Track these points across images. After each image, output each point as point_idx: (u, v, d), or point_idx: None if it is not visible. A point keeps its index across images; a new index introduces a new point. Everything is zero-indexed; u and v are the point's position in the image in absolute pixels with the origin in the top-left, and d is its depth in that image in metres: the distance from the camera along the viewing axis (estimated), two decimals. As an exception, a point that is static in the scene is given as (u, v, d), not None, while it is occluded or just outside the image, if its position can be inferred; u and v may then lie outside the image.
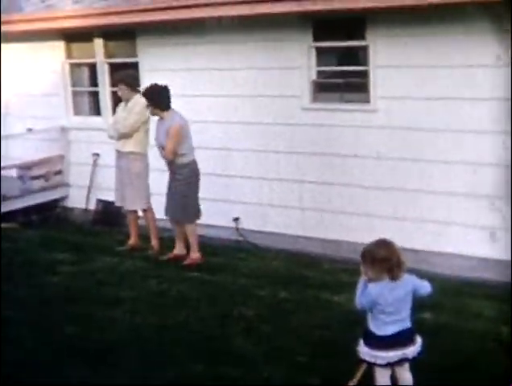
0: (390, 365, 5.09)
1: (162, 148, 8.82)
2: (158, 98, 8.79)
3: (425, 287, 5.13)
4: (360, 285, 5.03)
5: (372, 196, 9.18)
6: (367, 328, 5.10)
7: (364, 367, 5.27)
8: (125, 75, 9.60)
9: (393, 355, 5.04)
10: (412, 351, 5.09)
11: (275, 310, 7.39)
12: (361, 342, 5.12)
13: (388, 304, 4.98)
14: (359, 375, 5.32)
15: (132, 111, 9.37)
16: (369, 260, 4.94)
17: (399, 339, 5.05)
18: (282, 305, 7.59)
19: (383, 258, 4.94)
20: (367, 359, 5.07)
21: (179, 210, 8.96)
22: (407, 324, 5.09)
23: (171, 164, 8.88)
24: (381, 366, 5.08)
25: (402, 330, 5.06)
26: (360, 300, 5.01)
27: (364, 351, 5.08)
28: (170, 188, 9.00)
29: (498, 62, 8.05)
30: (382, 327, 5.03)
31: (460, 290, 8.01)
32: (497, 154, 8.27)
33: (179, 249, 9.25)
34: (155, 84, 8.84)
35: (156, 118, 8.97)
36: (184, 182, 8.86)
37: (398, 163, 8.94)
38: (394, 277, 4.96)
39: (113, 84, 9.81)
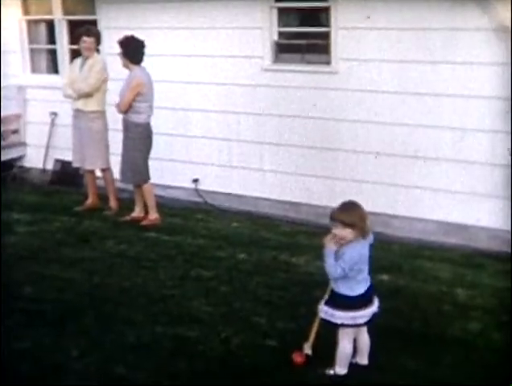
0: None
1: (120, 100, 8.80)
2: (133, 50, 8.77)
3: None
4: (329, 253, 5.00)
5: (332, 158, 9.16)
6: (337, 292, 5.10)
7: (315, 328, 5.32)
8: (93, 30, 9.47)
9: (366, 312, 5.09)
10: (372, 310, 5.15)
11: (234, 272, 7.39)
12: (331, 308, 5.11)
13: (362, 262, 5.04)
14: (313, 337, 5.36)
15: (92, 70, 9.26)
16: (348, 222, 4.93)
17: (368, 297, 5.12)
18: (240, 266, 7.59)
19: (363, 218, 4.98)
20: (346, 322, 5.08)
21: (128, 171, 8.94)
22: (370, 282, 5.16)
23: (125, 121, 8.83)
24: (354, 327, 5.13)
25: (369, 288, 5.14)
26: (337, 267, 4.96)
27: (340, 315, 5.08)
28: (123, 148, 8.95)
29: (471, 24, 8.03)
30: (355, 287, 5.08)
31: (419, 253, 8.08)
32: (459, 117, 8.29)
33: (138, 211, 9.20)
34: (133, 36, 8.80)
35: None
36: (135, 141, 8.84)
37: (357, 125, 8.92)
38: (367, 236, 5.01)
39: (77, 37, 9.61)
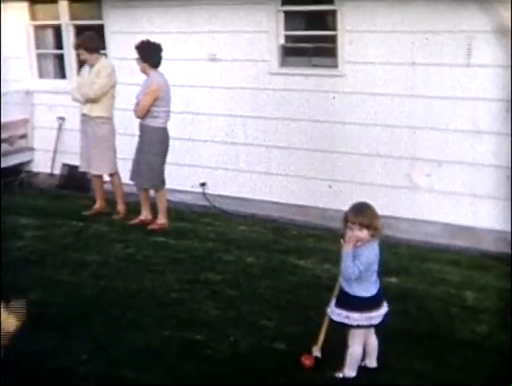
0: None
1: (137, 105, 8.81)
2: (151, 54, 8.76)
3: None
4: (347, 253, 5.01)
5: (339, 162, 9.16)
6: (351, 294, 5.10)
7: (324, 331, 5.32)
8: (84, 40, 9.44)
9: (379, 313, 5.12)
10: (384, 311, 5.16)
11: (242, 275, 7.40)
12: (345, 310, 5.12)
13: (375, 263, 5.07)
14: (322, 340, 5.36)
15: (100, 75, 9.26)
16: (365, 223, 4.95)
17: (379, 297, 5.15)
18: (248, 269, 7.60)
19: (377, 218, 5.01)
20: (361, 323, 5.09)
21: (144, 176, 8.92)
22: (379, 283, 5.19)
23: (142, 126, 8.83)
24: (368, 327, 5.15)
25: (379, 288, 5.16)
26: (354, 268, 4.97)
27: (355, 316, 5.08)
28: (137, 152, 8.94)
29: (475, 27, 8.04)
30: (369, 288, 5.11)
31: (427, 256, 8.07)
32: (465, 120, 8.29)
33: (145, 214, 9.21)
34: (149, 41, 8.80)
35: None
36: (153, 146, 8.82)
37: (365, 129, 8.92)
38: (380, 236, 5.06)
39: (75, 48, 9.68)
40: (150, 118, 8.75)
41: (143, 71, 8.83)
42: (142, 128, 8.86)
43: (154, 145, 8.83)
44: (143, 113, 8.73)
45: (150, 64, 8.77)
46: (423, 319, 6.26)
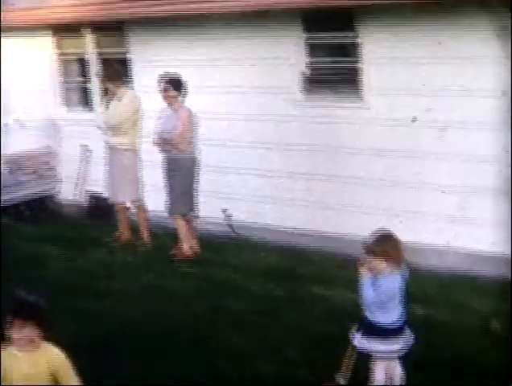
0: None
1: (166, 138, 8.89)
2: (183, 86, 8.95)
3: None
4: (366, 284, 5.01)
5: (364, 191, 9.16)
6: (372, 322, 5.11)
7: (349, 359, 5.32)
8: (108, 72, 9.59)
9: (400, 341, 5.12)
10: (406, 340, 5.15)
11: (266, 304, 7.40)
12: (367, 338, 5.12)
13: (399, 293, 5.07)
14: (346, 368, 5.36)
15: (119, 103, 9.37)
16: (385, 254, 4.95)
17: (401, 325, 5.15)
18: (272, 299, 7.60)
19: (397, 249, 5.01)
20: (382, 350, 5.10)
21: (187, 203, 9.00)
22: (403, 311, 5.17)
23: (173, 155, 8.88)
24: (389, 356, 5.15)
25: (404, 317, 5.16)
26: (374, 298, 4.98)
27: (377, 344, 5.10)
28: (170, 181, 8.99)
29: (494, 54, 8.05)
30: (393, 317, 5.10)
31: (452, 285, 8.03)
32: (496, 149, 8.27)
33: (186, 247, 9.17)
34: (178, 74, 8.97)
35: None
36: (188, 173, 8.96)
37: (392, 158, 8.93)
38: (402, 265, 5.04)
39: (101, 81, 9.85)
40: (186, 145, 8.87)
41: (174, 102, 8.92)
42: (175, 156, 8.90)
43: (189, 172, 8.96)
44: (182, 141, 8.83)
45: (183, 95, 8.93)
46: (446, 348, 6.22)
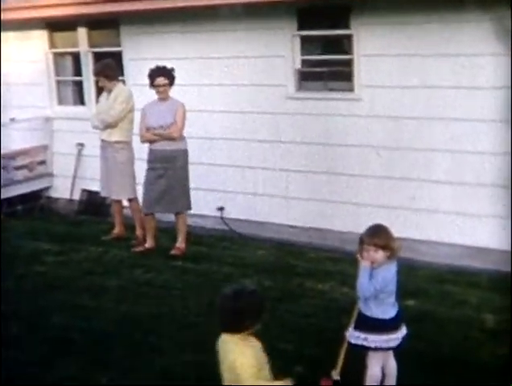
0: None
1: (161, 128, 8.86)
2: (174, 79, 8.95)
3: None
4: (364, 273, 5.03)
5: (356, 185, 9.19)
6: (369, 316, 5.12)
7: (343, 354, 5.32)
8: (103, 68, 9.55)
9: (398, 335, 5.13)
10: (402, 334, 5.16)
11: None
12: (363, 332, 5.13)
13: (392, 284, 5.09)
14: (341, 363, 5.35)
15: (116, 100, 9.35)
16: (380, 244, 4.99)
17: (398, 320, 5.16)
18: (267, 293, 7.59)
19: (393, 240, 5.03)
20: (379, 345, 5.10)
21: (179, 200, 8.94)
22: (398, 305, 5.19)
23: (169, 150, 8.85)
24: (386, 350, 5.16)
25: (398, 311, 5.18)
26: (370, 286, 5.00)
27: (374, 338, 5.10)
28: (167, 178, 8.90)
29: (487, 50, 8.07)
30: (388, 310, 5.12)
31: (444, 278, 8.05)
32: (482, 143, 8.30)
33: (149, 242, 9.24)
34: (169, 66, 8.95)
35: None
36: (183, 168, 8.94)
37: (382, 152, 8.94)
38: (395, 257, 5.06)
39: (94, 75, 9.85)
40: (180, 140, 8.88)
41: (167, 95, 8.92)
42: (169, 152, 8.86)
43: (184, 167, 8.94)
44: (180, 134, 8.84)
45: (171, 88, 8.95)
46: (441, 342, 6.24)
